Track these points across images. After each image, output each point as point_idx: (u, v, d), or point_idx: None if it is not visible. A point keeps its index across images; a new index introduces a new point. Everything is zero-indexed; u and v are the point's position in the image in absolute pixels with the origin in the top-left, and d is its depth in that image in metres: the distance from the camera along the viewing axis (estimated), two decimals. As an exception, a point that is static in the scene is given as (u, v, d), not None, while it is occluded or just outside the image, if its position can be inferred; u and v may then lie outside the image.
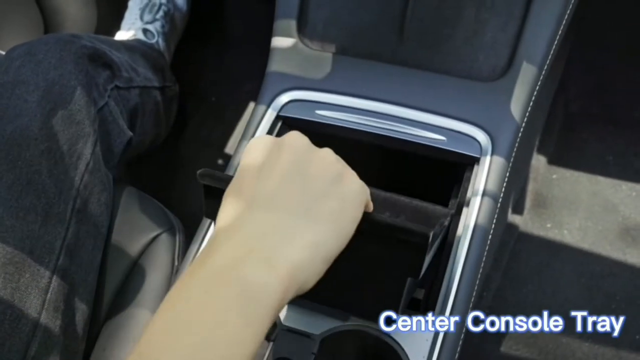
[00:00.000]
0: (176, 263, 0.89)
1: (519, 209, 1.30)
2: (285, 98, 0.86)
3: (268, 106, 0.86)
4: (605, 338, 1.19)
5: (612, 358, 1.17)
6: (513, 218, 1.30)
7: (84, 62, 0.88)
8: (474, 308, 1.18)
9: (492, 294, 1.23)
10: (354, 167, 0.81)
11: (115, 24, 1.41)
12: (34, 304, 0.75)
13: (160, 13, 1.38)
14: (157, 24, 1.36)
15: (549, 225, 1.30)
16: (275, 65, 0.89)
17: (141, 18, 1.36)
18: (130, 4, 1.40)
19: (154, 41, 1.34)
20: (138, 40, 1.31)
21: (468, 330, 0.73)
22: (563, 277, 1.25)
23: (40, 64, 0.84)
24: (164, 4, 1.39)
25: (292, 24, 0.90)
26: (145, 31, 1.34)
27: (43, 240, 0.77)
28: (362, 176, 0.77)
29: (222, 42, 1.59)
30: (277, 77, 0.88)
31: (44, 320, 0.76)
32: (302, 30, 0.91)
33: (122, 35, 1.35)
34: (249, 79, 1.49)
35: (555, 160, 1.36)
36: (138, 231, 0.91)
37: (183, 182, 1.39)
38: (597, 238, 1.29)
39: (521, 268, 1.26)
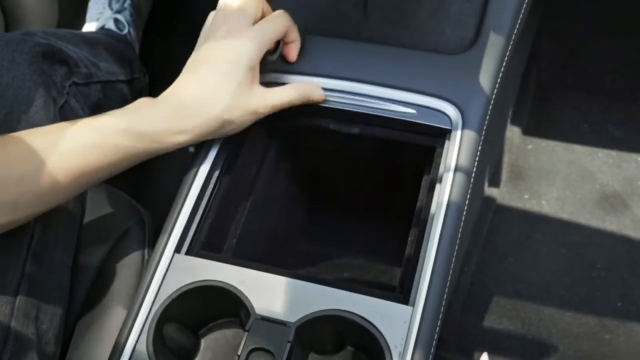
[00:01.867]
0: (146, 256, 0.87)
1: (495, 182, 1.30)
2: (250, 81, 0.84)
3: None
4: (587, 307, 1.19)
5: (595, 326, 1.17)
6: (490, 191, 1.29)
7: (38, 61, 0.86)
8: (455, 284, 1.17)
9: (473, 268, 1.22)
10: (323, 148, 0.79)
11: (78, 15, 1.38)
12: (2, 312, 0.73)
13: (128, 1, 1.35)
14: (126, 13, 1.34)
15: (526, 197, 1.30)
16: (237, 48, 0.87)
17: (110, 7, 1.33)
18: (94, -7, 1.37)
19: (125, 31, 1.31)
20: (106, 32, 1.28)
21: (447, 310, 0.72)
22: (543, 248, 1.25)
23: None
24: None
25: None
26: (116, 21, 1.31)
27: (7, 248, 0.75)
28: (333, 156, 0.76)
29: (187, 29, 1.56)
30: None
31: (14, 329, 0.74)
32: (264, 10, 0.88)
33: (90, 26, 1.32)
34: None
35: (530, 130, 1.35)
36: (107, 226, 0.89)
37: (154, 172, 1.37)
38: (575, 207, 1.29)
39: (500, 241, 1.26)
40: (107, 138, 0.70)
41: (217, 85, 0.73)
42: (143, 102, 0.74)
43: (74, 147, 0.69)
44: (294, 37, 0.81)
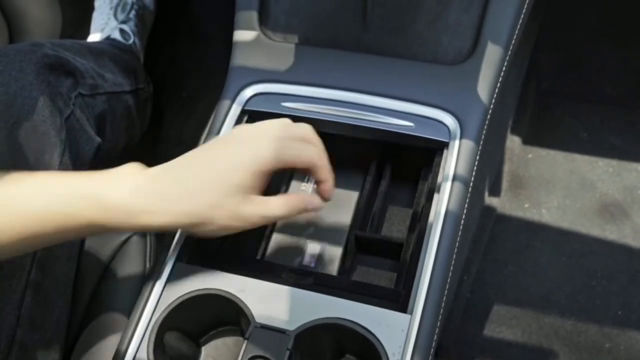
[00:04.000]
0: (147, 265, 0.88)
1: (495, 191, 1.30)
2: (250, 92, 0.85)
3: (233, 101, 0.85)
4: (587, 315, 1.19)
5: (595, 335, 1.17)
6: (490, 200, 1.30)
7: (44, 72, 0.86)
8: (455, 293, 1.18)
9: (473, 277, 1.23)
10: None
11: (82, 26, 1.38)
12: (8, 320, 0.74)
13: (133, 12, 1.36)
14: (131, 24, 1.34)
15: (526, 206, 1.30)
16: (238, 59, 0.88)
17: (115, 17, 1.34)
18: (97, 3, 1.37)
19: (130, 42, 1.32)
20: (111, 42, 1.29)
21: (446, 318, 0.73)
22: (543, 256, 1.25)
23: (0, 77, 0.82)
24: (135, 2, 1.37)
25: (254, 16, 0.89)
26: (121, 31, 1.32)
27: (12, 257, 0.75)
28: (332, 166, 0.77)
29: (191, 37, 1.58)
30: (241, 71, 0.87)
31: (19, 336, 0.74)
32: (264, 22, 0.89)
33: (95, 36, 1.33)
34: (219, 73, 1.47)
35: (530, 139, 1.36)
36: (109, 235, 0.90)
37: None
38: (575, 216, 1.29)
39: (500, 250, 1.26)
40: (72, 208, 0.63)
41: (212, 180, 0.66)
42: (128, 172, 0.67)
43: (28, 212, 0.62)
44: (324, 176, 0.73)
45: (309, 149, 0.71)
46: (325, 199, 0.74)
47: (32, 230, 0.62)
